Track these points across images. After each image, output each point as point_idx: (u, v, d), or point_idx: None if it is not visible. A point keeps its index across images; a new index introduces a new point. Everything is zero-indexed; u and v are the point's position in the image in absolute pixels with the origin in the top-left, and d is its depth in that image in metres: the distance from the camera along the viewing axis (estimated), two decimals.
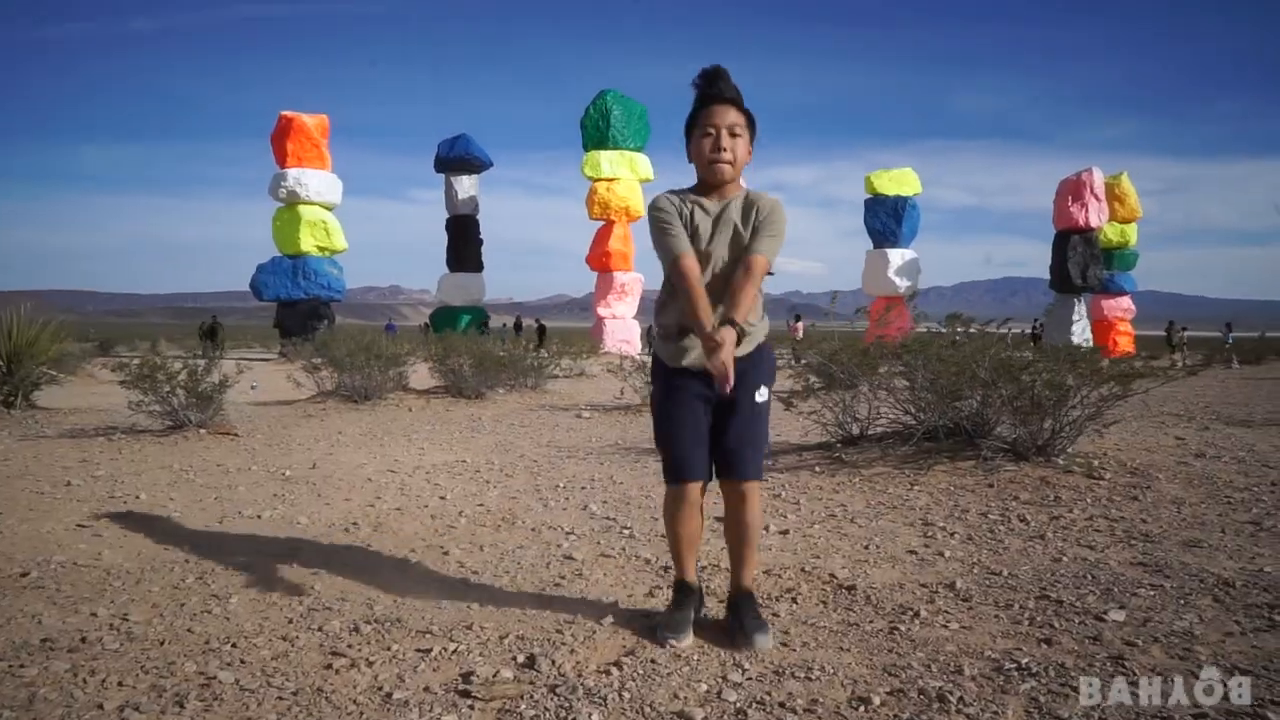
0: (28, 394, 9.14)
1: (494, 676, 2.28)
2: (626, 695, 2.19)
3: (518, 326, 35.79)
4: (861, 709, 2.11)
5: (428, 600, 2.97)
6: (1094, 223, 31.00)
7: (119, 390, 12.01)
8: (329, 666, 2.37)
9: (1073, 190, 31.05)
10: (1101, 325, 33.25)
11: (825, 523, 4.18)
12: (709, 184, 2.56)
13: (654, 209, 2.56)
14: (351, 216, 30.92)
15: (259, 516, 4.31)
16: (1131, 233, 34.24)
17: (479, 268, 34.18)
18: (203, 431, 7.34)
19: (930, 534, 3.92)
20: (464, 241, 33.48)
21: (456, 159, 33.45)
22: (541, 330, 33.24)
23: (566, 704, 2.13)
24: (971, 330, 6.27)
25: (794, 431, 7.77)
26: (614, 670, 2.34)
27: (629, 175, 30.93)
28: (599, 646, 2.52)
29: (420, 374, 11.97)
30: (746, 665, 2.37)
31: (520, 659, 2.42)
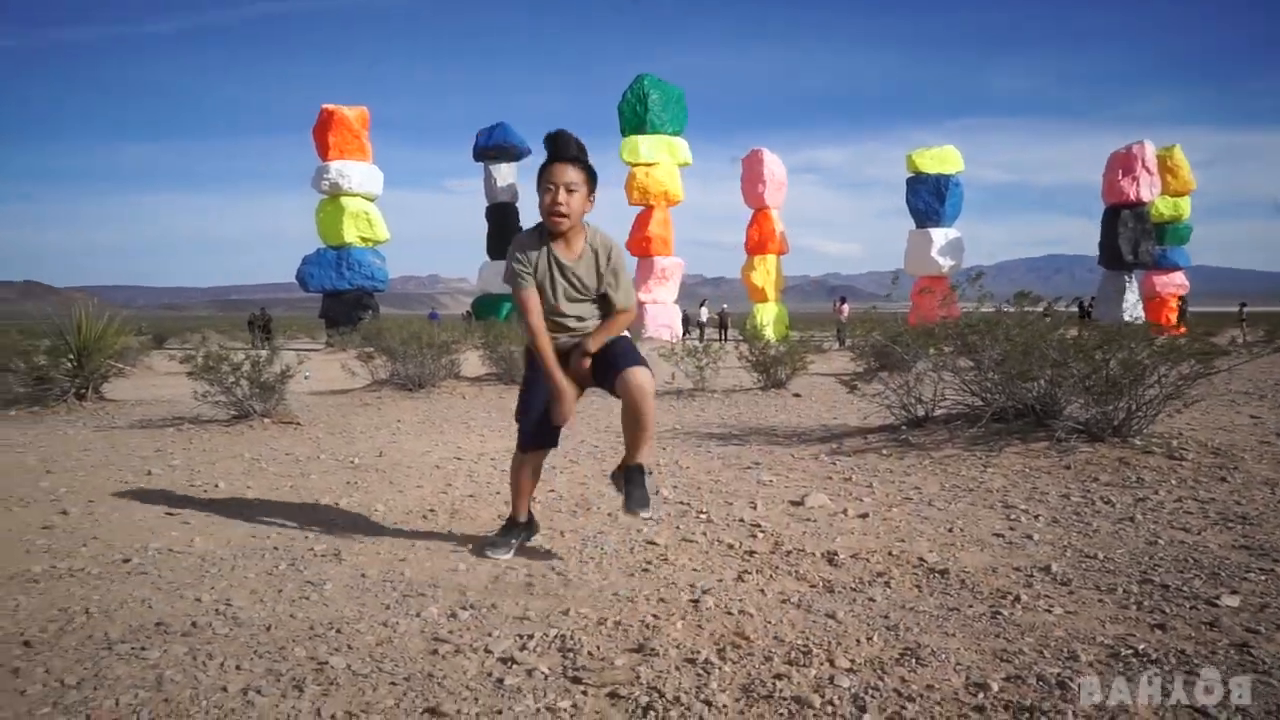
0: (97, 386, 9.39)
1: (601, 661, 2.29)
2: (739, 680, 2.17)
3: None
4: (980, 695, 2.07)
5: (518, 585, 2.99)
6: (1145, 197, 30.20)
7: (176, 382, 12.30)
8: (434, 652, 2.39)
9: (1123, 164, 30.27)
10: (1154, 302, 32.44)
11: (902, 505, 4.13)
12: (551, 232, 3.07)
13: (511, 254, 3.15)
14: (389, 208, 31.21)
15: (336, 504, 4.37)
16: (1184, 206, 33.31)
17: None
18: (267, 421, 7.48)
19: (1013, 517, 3.85)
20: (504, 229, 33.64)
21: (495, 147, 33.60)
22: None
23: (678, 688, 2.12)
24: (1041, 309, 6.13)
25: (853, 415, 7.70)
26: (729, 651, 2.33)
27: (668, 160, 30.80)
28: (705, 630, 2.52)
29: (471, 362, 12.07)
30: (851, 651, 2.34)
31: (625, 644, 2.42)
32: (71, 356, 9.24)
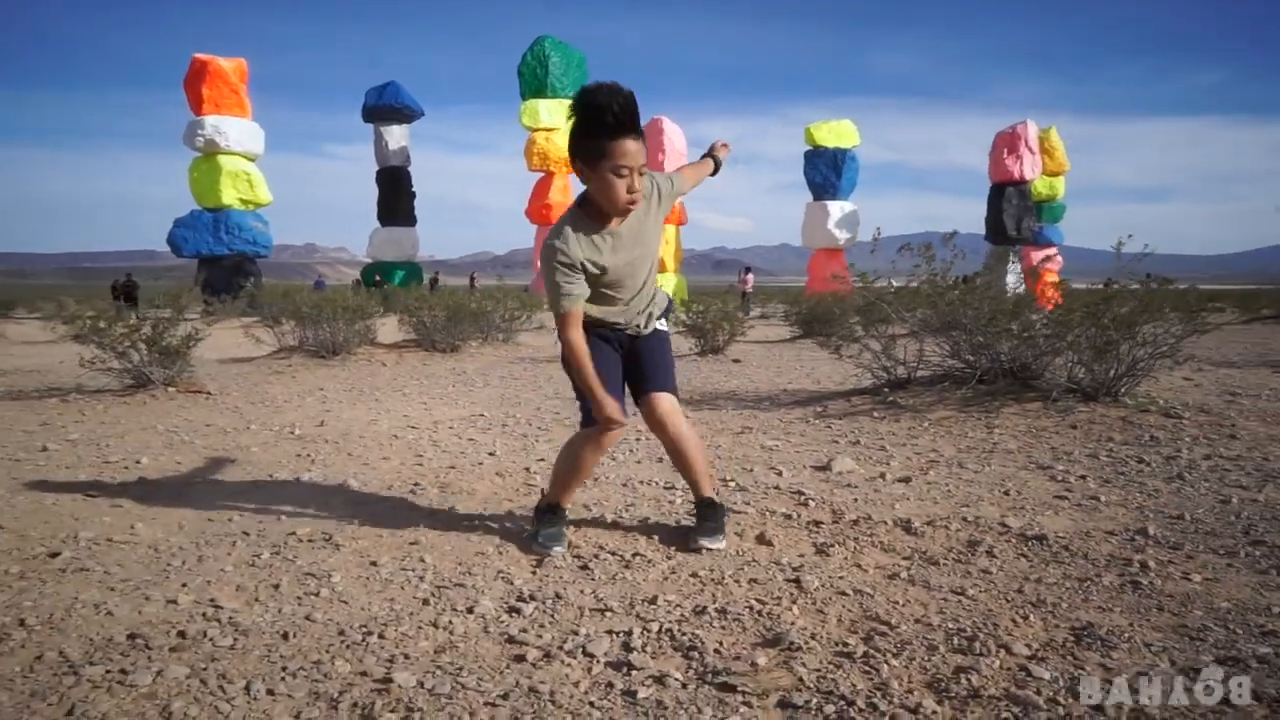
0: None
1: (738, 660, 1.86)
2: (917, 676, 1.79)
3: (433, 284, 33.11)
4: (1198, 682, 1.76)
5: (572, 569, 2.51)
6: (1029, 175, 31.63)
7: (38, 350, 10.96)
8: (520, 659, 1.90)
9: (1008, 143, 31.57)
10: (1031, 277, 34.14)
11: (935, 469, 3.85)
12: (609, 215, 2.50)
13: (553, 256, 2.46)
14: (263, 172, 29.01)
15: (298, 479, 3.73)
16: (1060, 185, 35.14)
17: (412, 222, 32.84)
18: (171, 390, 6.58)
19: (1058, 478, 3.63)
20: (396, 194, 32.09)
21: (386, 107, 31.89)
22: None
23: (854, 690, 1.72)
24: (978, 281, 6.07)
25: (805, 378, 7.48)
26: (877, 639, 1.94)
27: (569, 125, 29.91)
28: (829, 615, 2.12)
29: (388, 327, 11.25)
30: (1014, 633, 2.00)
31: (751, 637, 1.99)
32: None
